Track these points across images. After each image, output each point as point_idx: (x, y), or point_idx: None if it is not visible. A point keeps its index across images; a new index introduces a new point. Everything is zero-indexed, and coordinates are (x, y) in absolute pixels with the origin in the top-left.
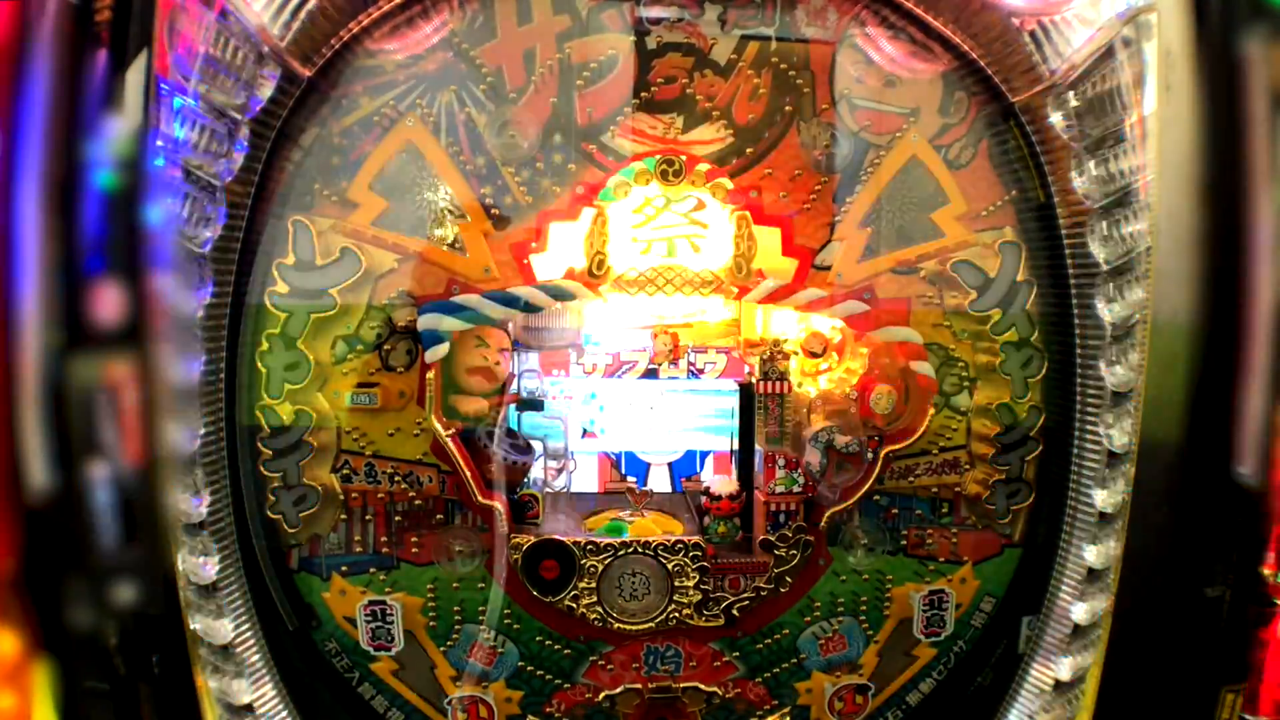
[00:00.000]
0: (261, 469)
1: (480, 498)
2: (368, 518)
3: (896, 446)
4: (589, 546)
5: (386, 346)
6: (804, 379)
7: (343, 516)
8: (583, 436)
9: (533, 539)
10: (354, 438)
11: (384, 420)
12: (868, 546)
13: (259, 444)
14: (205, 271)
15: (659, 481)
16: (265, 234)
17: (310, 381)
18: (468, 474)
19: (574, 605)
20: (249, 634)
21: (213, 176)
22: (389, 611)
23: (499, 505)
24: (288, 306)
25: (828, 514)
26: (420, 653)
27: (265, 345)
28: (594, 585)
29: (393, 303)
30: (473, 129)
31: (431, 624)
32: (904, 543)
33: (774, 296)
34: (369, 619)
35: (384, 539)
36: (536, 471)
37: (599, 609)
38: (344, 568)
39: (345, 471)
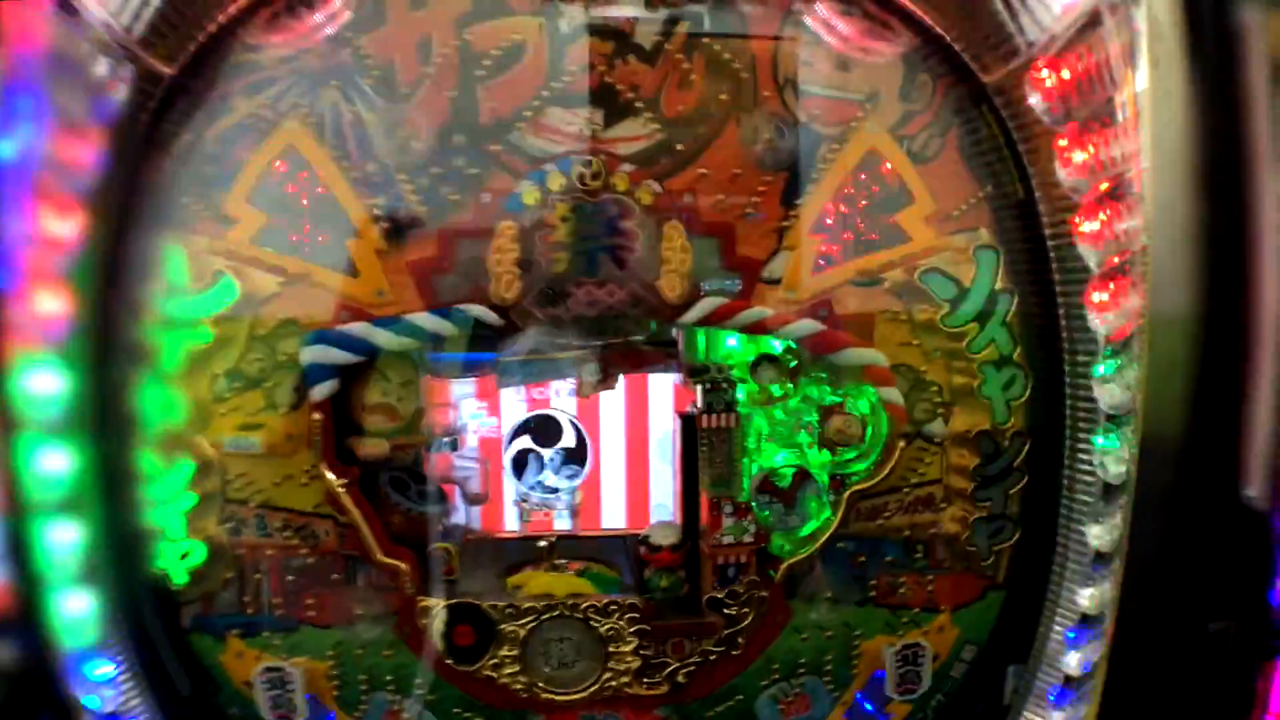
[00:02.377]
0: (143, 521)
1: (382, 554)
2: (257, 575)
3: (862, 485)
4: (508, 610)
5: (270, 383)
6: (753, 409)
7: (231, 574)
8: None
9: (441, 603)
10: (239, 486)
11: (272, 466)
12: (832, 599)
13: (138, 492)
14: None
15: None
16: (132, 256)
17: (188, 423)
18: (366, 528)
19: (494, 674)
20: (137, 700)
21: (67, 190)
22: (288, 679)
23: (403, 565)
24: (159, 339)
25: (785, 565)
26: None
27: (139, 382)
28: (516, 653)
29: (276, 332)
30: (361, 131)
31: (336, 692)
32: (873, 592)
33: (714, 317)
34: (267, 686)
35: (278, 600)
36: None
37: (522, 679)
38: (239, 629)
39: (233, 524)
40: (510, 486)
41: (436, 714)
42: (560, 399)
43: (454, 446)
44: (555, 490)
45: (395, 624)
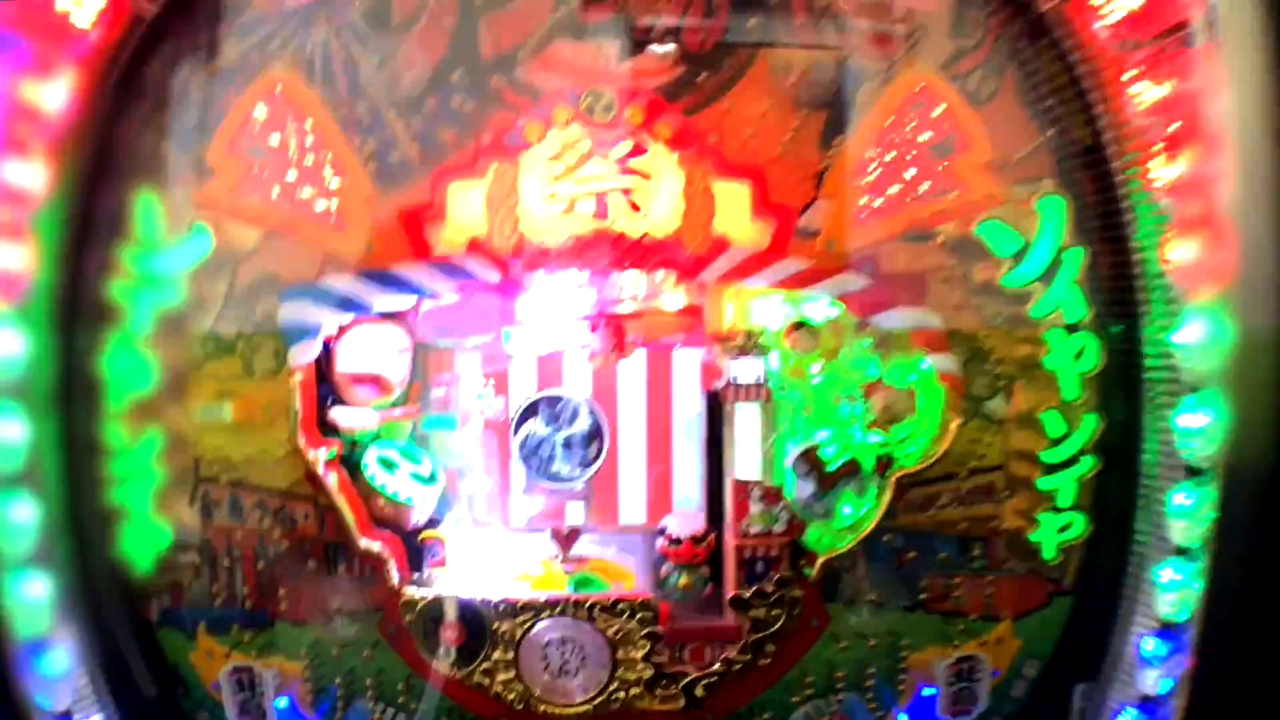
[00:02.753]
0: (107, 499)
1: (363, 539)
2: (229, 564)
3: (912, 469)
4: (501, 606)
5: (247, 346)
6: (788, 382)
7: (201, 562)
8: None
9: (427, 596)
10: (211, 462)
11: (248, 440)
12: (876, 602)
13: (102, 467)
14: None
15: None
16: (104, 208)
17: (159, 391)
18: (347, 509)
19: (486, 681)
20: (94, 701)
21: (34, 137)
22: (257, 680)
23: (385, 549)
24: (131, 298)
25: (821, 560)
26: None
27: (106, 346)
28: (511, 657)
29: (255, 291)
30: (353, 70)
31: (311, 697)
32: (924, 595)
33: (741, 270)
34: (235, 689)
35: (250, 590)
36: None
37: (518, 687)
38: (208, 624)
39: (204, 505)
40: (517, 475)
41: None
42: (574, 375)
43: (451, 425)
44: (567, 479)
45: (378, 621)
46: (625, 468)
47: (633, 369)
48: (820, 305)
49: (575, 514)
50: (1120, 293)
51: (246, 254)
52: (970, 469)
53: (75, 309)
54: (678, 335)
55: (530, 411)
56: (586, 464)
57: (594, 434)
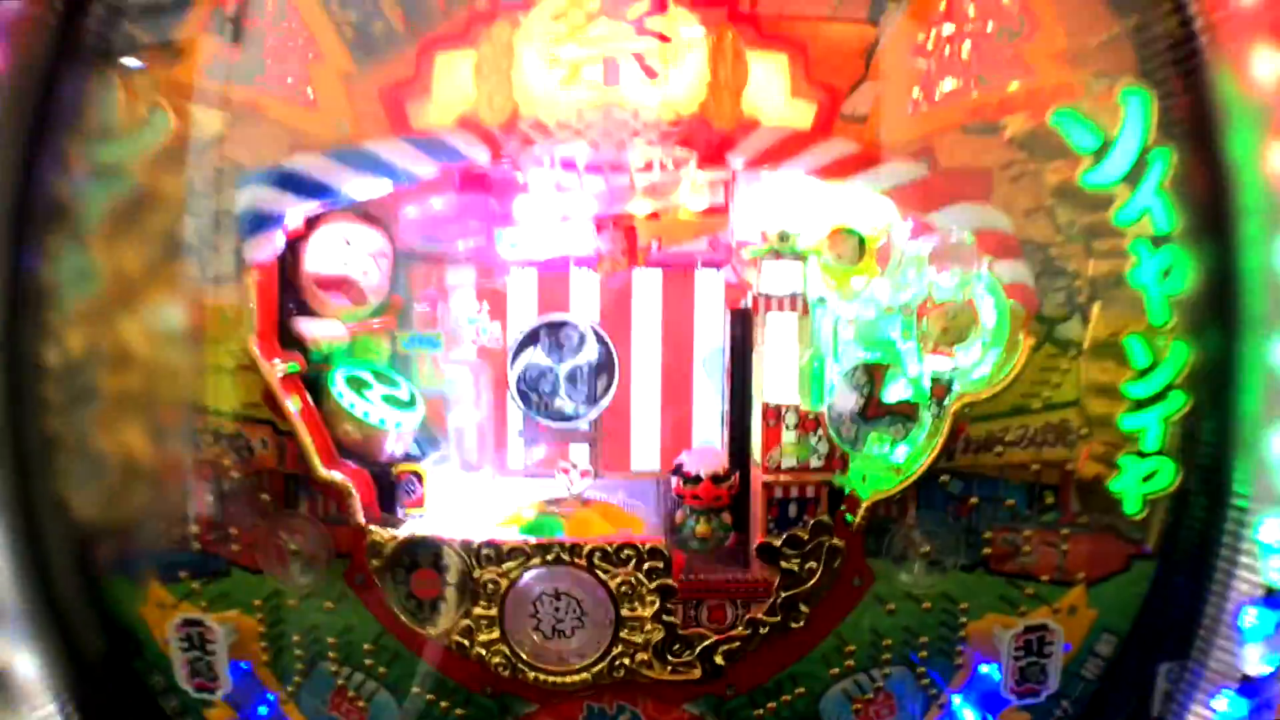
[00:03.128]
0: (46, 424)
1: (324, 470)
2: (180, 499)
3: (974, 397)
4: (484, 552)
5: (206, 247)
6: (829, 294)
7: (151, 497)
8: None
9: (397, 537)
10: (163, 381)
11: (201, 353)
12: (931, 558)
13: (42, 388)
14: None
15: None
16: (58, 95)
17: (108, 299)
18: (307, 434)
19: (466, 642)
20: (32, 658)
21: None
22: (208, 636)
23: (350, 482)
24: (79, 192)
25: (866, 504)
26: (260, 695)
27: (52, 247)
28: (495, 613)
29: (218, 182)
30: None
31: (267, 657)
32: (987, 551)
33: (775, 153)
34: (184, 645)
35: (201, 531)
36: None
37: (503, 650)
38: (161, 571)
39: (153, 430)
40: (515, 412)
41: (396, 695)
42: (581, 297)
43: (436, 345)
44: (571, 418)
45: (344, 569)
46: (639, 405)
47: (647, 292)
48: (868, 202)
49: (580, 458)
50: (1213, 205)
51: (209, 141)
52: (1044, 402)
53: (22, 206)
54: (699, 242)
55: (530, 339)
56: (593, 400)
57: (602, 366)
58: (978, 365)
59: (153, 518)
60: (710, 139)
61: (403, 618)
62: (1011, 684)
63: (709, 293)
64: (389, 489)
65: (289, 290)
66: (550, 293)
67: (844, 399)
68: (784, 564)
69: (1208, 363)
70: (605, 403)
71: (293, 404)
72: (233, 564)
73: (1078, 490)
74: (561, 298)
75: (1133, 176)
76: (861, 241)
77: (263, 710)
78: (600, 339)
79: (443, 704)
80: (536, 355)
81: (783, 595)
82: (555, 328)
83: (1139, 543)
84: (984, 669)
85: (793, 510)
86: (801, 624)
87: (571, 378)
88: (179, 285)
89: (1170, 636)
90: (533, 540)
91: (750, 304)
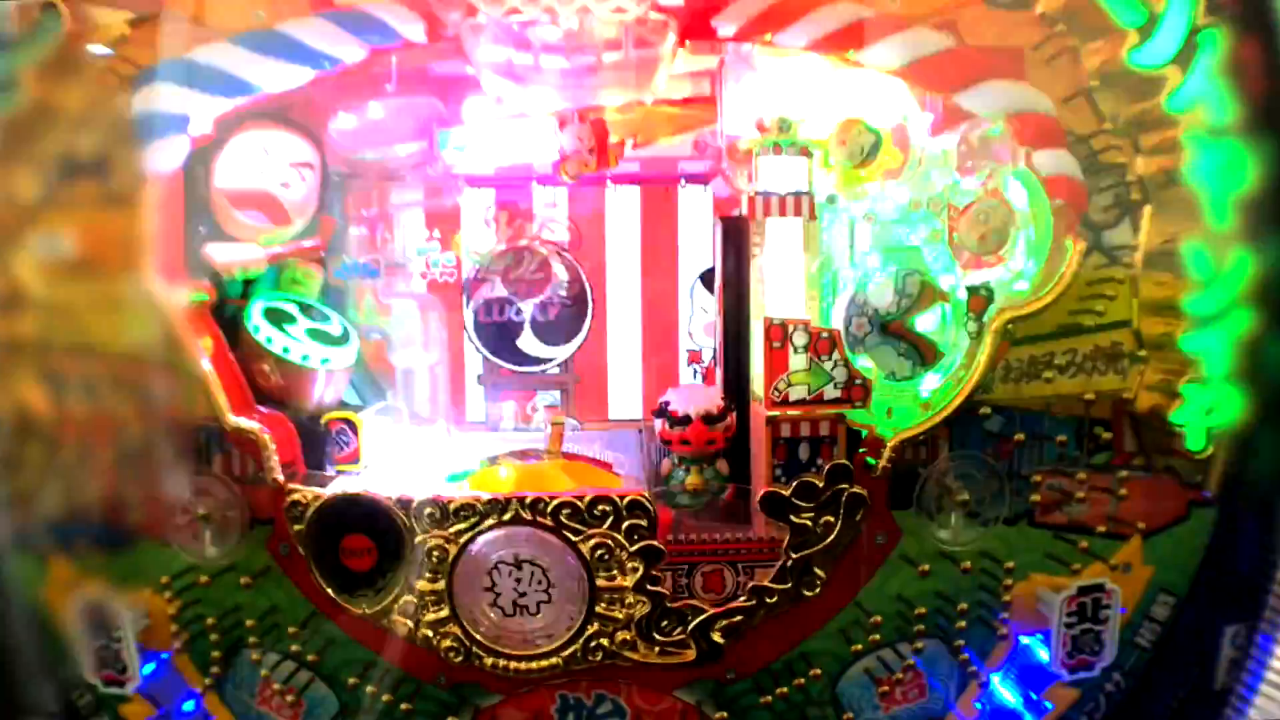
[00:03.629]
0: None
1: (232, 417)
2: (76, 459)
3: (1018, 311)
4: (427, 511)
5: (106, 166)
6: (841, 194)
7: (48, 457)
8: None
9: (321, 496)
10: (61, 324)
11: (99, 287)
12: (970, 508)
13: None
14: None
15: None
16: None
17: None
18: (216, 377)
19: (408, 624)
20: None
21: None
22: (114, 621)
23: (265, 431)
24: None
25: (891, 444)
26: (182, 689)
27: None
28: (442, 587)
29: (120, 89)
30: None
31: (179, 644)
32: (1035, 499)
33: (770, 19)
34: (89, 631)
35: (102, 497)
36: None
37: (454, 631)
38: (64, 544)
39: (52, 382)
40: (473, 355)
41: (335, 686)
42: (547, 218)
43: (374, 274)
44: (539, 360)
45: (266, 538)
46: (616, 345)
47: (624, 213)
48: (881, 90)
49: (552, 407)
50: (1274, 96)
51: (111, 44)
52: (1096, 320)
53: None
54: (682, 140)
55: (489, 270)
56: (564, 340)
57: (574, 300)
58: (1019, 276)
59: (50, 479)
60: (693, 3)
61: (331, 594)
62: (1062, 655)
63: (696, 213)
64: (318, 441)
65: (197, 210)
66: (510, 214)
67: (879, 295)
68: (794, 519)
69: (1275, 275)
70: (578, 342)
71: (200, 342)
72: (137, 534)
73: (1132, 425)
74: (523, 220)
75: (1183, 58)
76: (876, 138)
77: (189, 706)
78: (571, 267)
79: (385, 697)
80: (497, 288)
81: (793, 557)
82: (519, 256)
83: (1199, 486)
84: (1024, 640)
85: (804, 452)
86: (816, 591)
87: (539, 314)
88: (74, 210)
89: (1236, 596)
90: (484, 496)
91: (745, 209)
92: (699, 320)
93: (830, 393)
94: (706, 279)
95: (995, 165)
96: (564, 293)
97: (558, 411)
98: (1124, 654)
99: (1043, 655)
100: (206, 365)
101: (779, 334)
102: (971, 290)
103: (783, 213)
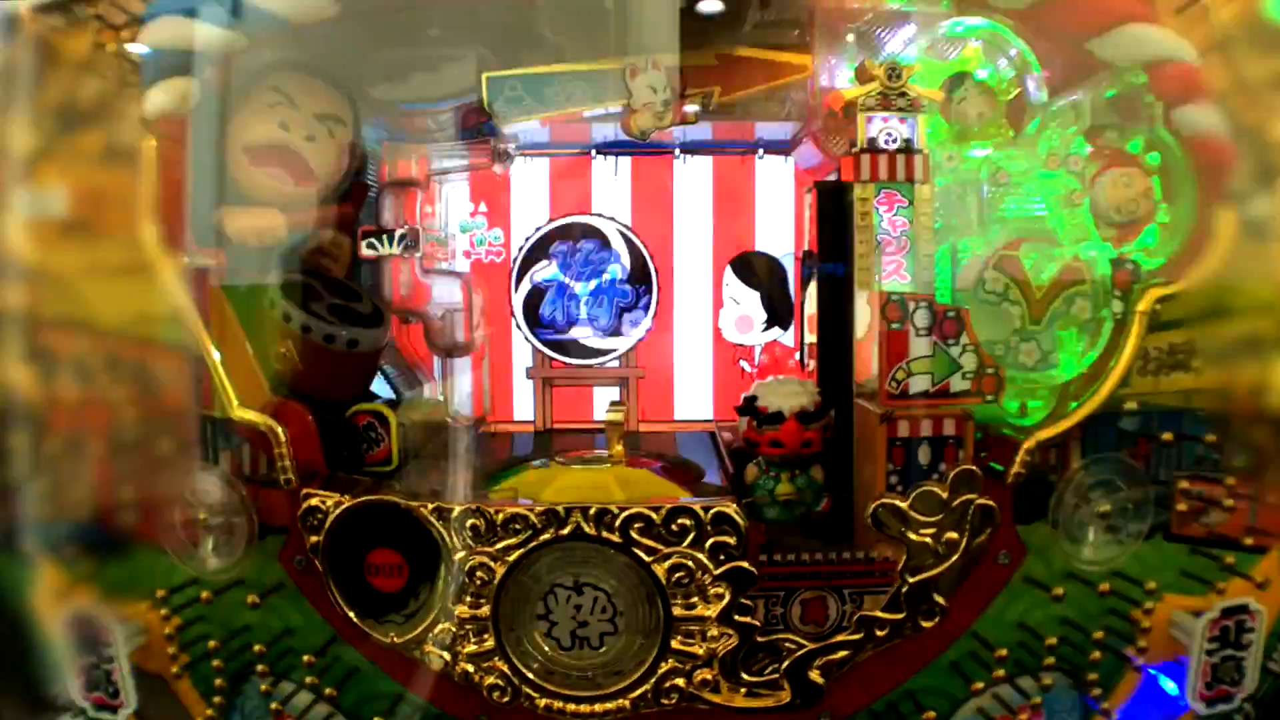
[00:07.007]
0: None
1: (239, 409)
2: (69, 453)
3: (1164, 290)
4: (470, 523)
5: (106, 114)
6: (957, 154)
7: (39, 449)
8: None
9: (344, 501)
10: (54, 295)
11: (98, 253)
12: (1109, 521)
13: None
14: None
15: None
16: None
17: None
18: (222, 360)
19: (445, 656)
20: None
21: None
22: (103, 637)
23: (278, 425)
24: None
25: (1028, 444)
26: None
27: None
28: (488, 613)
29: (121, 37)
30: None
31: (177, 669)
32: (1182, 508)
33: None
34: (79, 650)
35: (96, 498)
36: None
37: (501, 665)
38: (50, 547)
39: (43, 364)
40: (522, 345)
41: (350, 719)
42: (608, 189)
43: (410, 248)
44: (597, 352)
45: (278, 550)
46: (684, 336)
47: (694, 187)
48: (996, 40)
49: (607, 401)
50: None
51: None
52: (1245, 303)
53: None
54: (770, 96)
55: (541, 248)
56: (625, 330)
57: (637, 284)
58: (1160, 250)
59: (36, 471)
60: None
61: (354, 617)
62: (1200, 686)
63: (778, 183)
64: (343, 437)
65: (205, 166)
66: (567, 185)
67: (1005, 269)
68: (912, 535)
69: None
70: (642, 330)
71: (209, 322)
72: (132, 539)
73: (1273, 423)
74: (583, 192)
75: None
76: (991, 92)
77: None
78: (632, 245)
79: None
80: (549, 268)
81: (909, 581)
82: (575, 233)
83: None
84: (1149, 675)
85: (923, 455)
86: (935, 621)
87: (596, 297)
88: (73, 165)
89: None
90: (539, 507)
91: (843, 173)
92: (730, 314)
93: (957, 384)
94: (739, 266)
95: (1131, 125)
96: (624, 273)
97: (619, 408)
98: (1260, 681)
99: (1170, 687)
100: (213, 347)
101: (896, 313)
102: (1116, 264)
103: (891, 174)
